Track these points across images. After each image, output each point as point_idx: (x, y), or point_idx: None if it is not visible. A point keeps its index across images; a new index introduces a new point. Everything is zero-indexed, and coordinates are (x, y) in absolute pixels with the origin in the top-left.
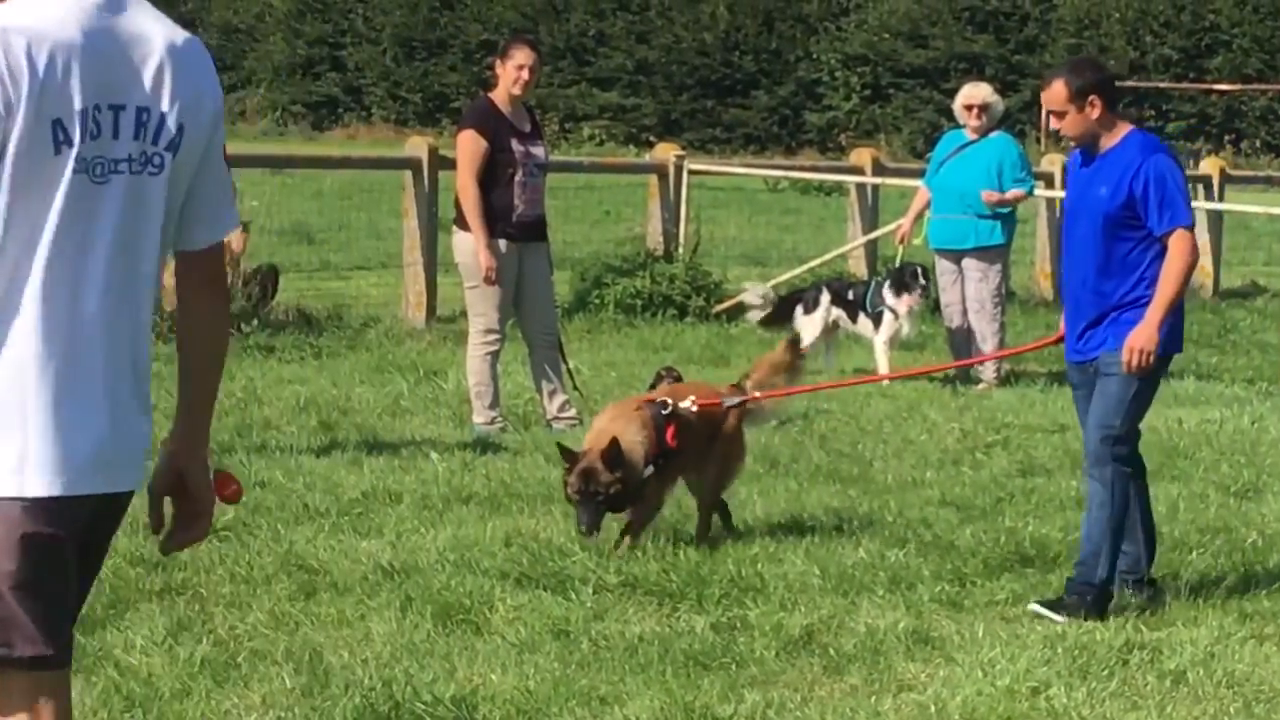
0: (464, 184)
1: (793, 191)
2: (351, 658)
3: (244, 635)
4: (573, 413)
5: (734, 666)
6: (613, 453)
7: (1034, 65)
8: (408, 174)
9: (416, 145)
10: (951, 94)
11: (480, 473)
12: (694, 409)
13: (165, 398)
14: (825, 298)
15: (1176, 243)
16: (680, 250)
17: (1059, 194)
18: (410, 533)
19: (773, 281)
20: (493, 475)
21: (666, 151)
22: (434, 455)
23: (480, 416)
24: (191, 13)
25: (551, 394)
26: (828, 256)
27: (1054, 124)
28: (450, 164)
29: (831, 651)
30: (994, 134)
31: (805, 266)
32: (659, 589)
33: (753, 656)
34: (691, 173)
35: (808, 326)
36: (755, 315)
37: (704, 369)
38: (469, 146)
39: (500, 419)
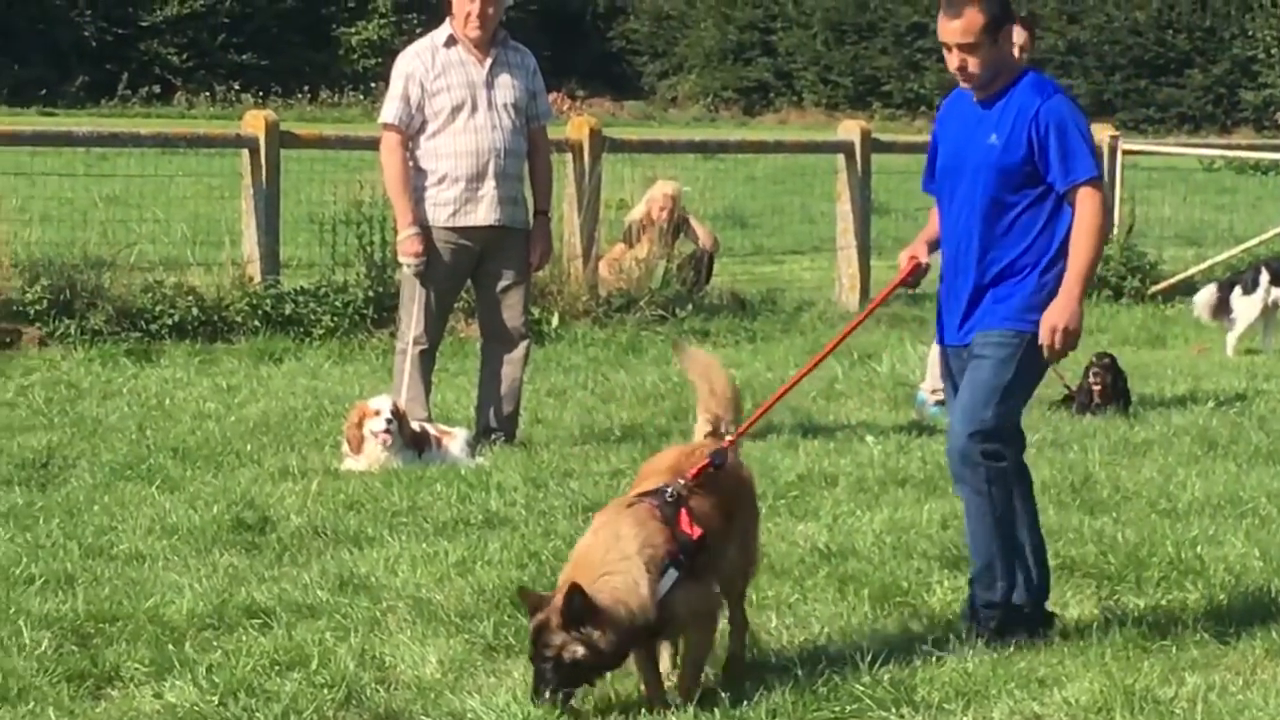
0: None
1: (1228, 171)
2: (789, 639)
3: None
4: None
5: (1174, 649)
6: (573, 606)
7: None
8: (840, 157)
9: (849, 129)
10: None
11: (916, 455)
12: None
13: None
14: (1264, 278)
15: (1086, 199)
16: (1115, 231)
17: None
18: (847, 515)
19: (1209, 261)
20: (928, 458)
21: (1101, 132)
22: (869, 438)
23: (930, 386)
24: (623, 0)
25: None
26: (1265, 236)
27: (957, 61)
28: (883, 147)
29: (1275, 634)
30: None
31: (1242, 247)
32: (1097, 571)
33: (1193, 639)
34: (1125, 153)
35: (1246, 308)
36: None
37: (1139, 350)
38: None
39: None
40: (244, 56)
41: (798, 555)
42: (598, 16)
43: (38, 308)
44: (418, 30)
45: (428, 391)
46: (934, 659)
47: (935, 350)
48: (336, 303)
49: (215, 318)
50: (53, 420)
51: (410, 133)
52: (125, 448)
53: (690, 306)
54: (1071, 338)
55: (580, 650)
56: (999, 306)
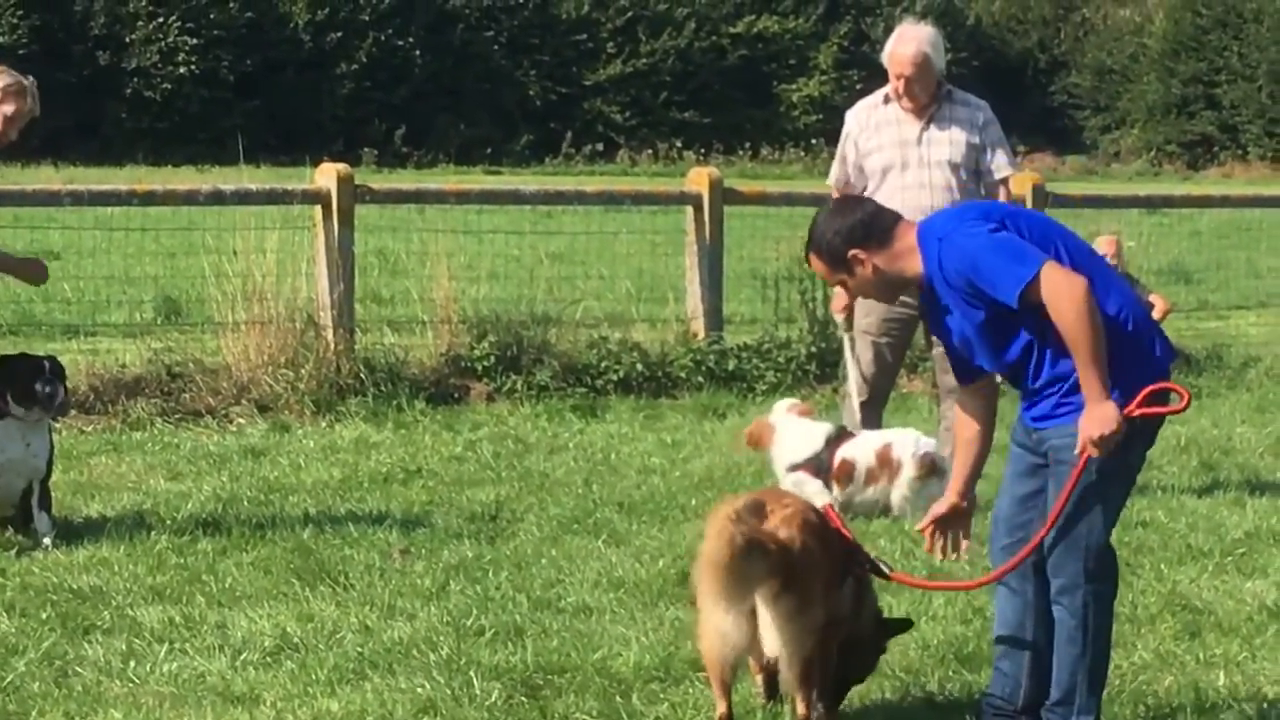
0: None
1: None
2: (1237, 697)
3: (1128, 673)
4: None
5: None
6: None
7: None
8: None
9: None
10: None
11: None
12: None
13: None
14: None
15: (1046, 289)
16: None
17: None
18: None
19: None
20: None
21: None
22: None
23: None
24: (1065, 54)
25: None
26: None
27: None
28: None
29: None
30: None
31: None
32: None
33: None
34: None
35: None
36: None
37: None
38: None
39: None
40: (686, 114)
41: (1246, 613)
42: (1039, 71)
43: (485, 364)
44: (858, 87)
45: None
46: None
47: None
48: (779, 358)
49: (660, 373)
50: (500, 474)
51: (854, 192)
52: (572, 502)
53: None
54: (1113, 440)
55: None
56: (1059, 399)
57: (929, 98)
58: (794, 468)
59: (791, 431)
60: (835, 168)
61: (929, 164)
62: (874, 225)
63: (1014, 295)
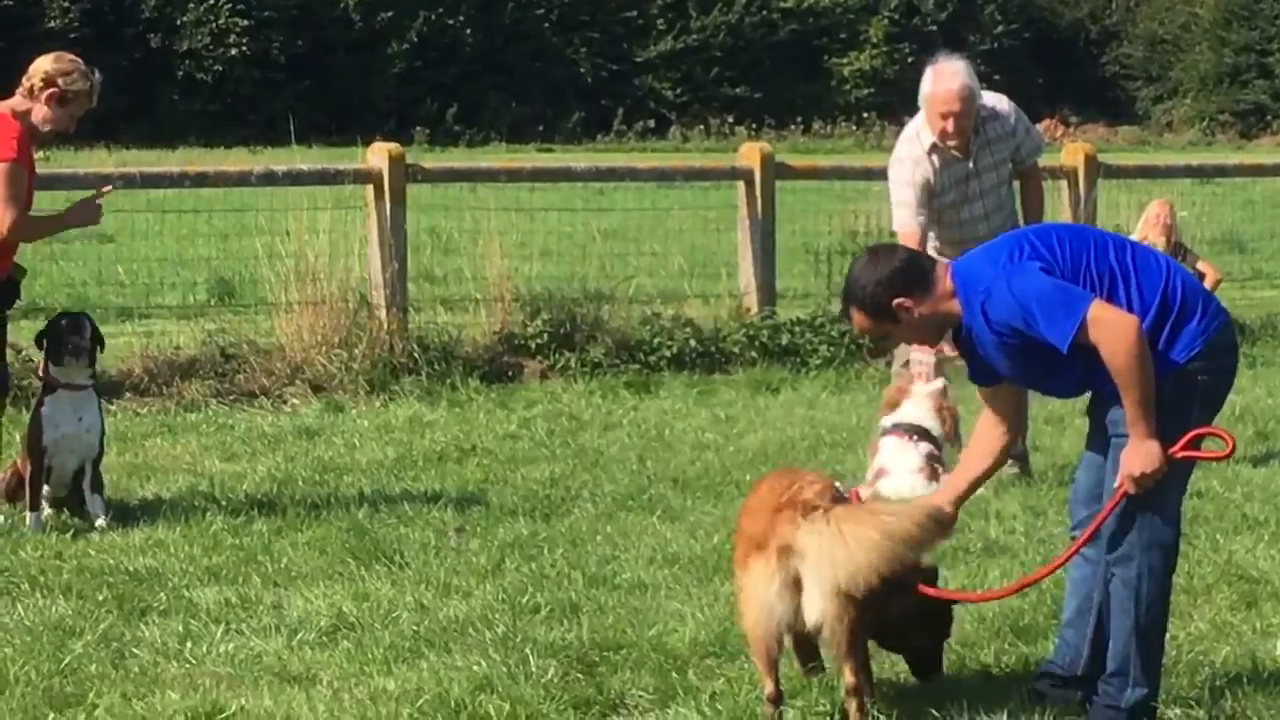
0: None
1: None
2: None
3: (1185, 644)
4: None
5: None
6: None
7: None
8: None
9: None
10: None
11: None
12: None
13: None
14: None
15: (1095, 333)
16: None
17: None
18: None
19: None
20: None
21: None
22: None
23: None
24: (1117, 25)
25: None
26: None
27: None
28: None
29: None
30: None
31: None
32: None
33: None
34: None
35: None
36: None
37: None
38: None
39: None
40: (737, 89)
41: None
42: (1090, 42)
43: (539, 341)
44: (910, 60)
45: None
46: None
47: None
48: (833, 333)
49: (713, 349)
50: (555, 451)
51: (921, 233)
52: (626, 478)
53: None
54: (1153, 478)
55: None
56: None
57: (972, 128)
58: (893, 428)
59: (912, 404)
60: (906, 215)
61: (985, 193)
62: (913, 271)
63: (1065, 344)
